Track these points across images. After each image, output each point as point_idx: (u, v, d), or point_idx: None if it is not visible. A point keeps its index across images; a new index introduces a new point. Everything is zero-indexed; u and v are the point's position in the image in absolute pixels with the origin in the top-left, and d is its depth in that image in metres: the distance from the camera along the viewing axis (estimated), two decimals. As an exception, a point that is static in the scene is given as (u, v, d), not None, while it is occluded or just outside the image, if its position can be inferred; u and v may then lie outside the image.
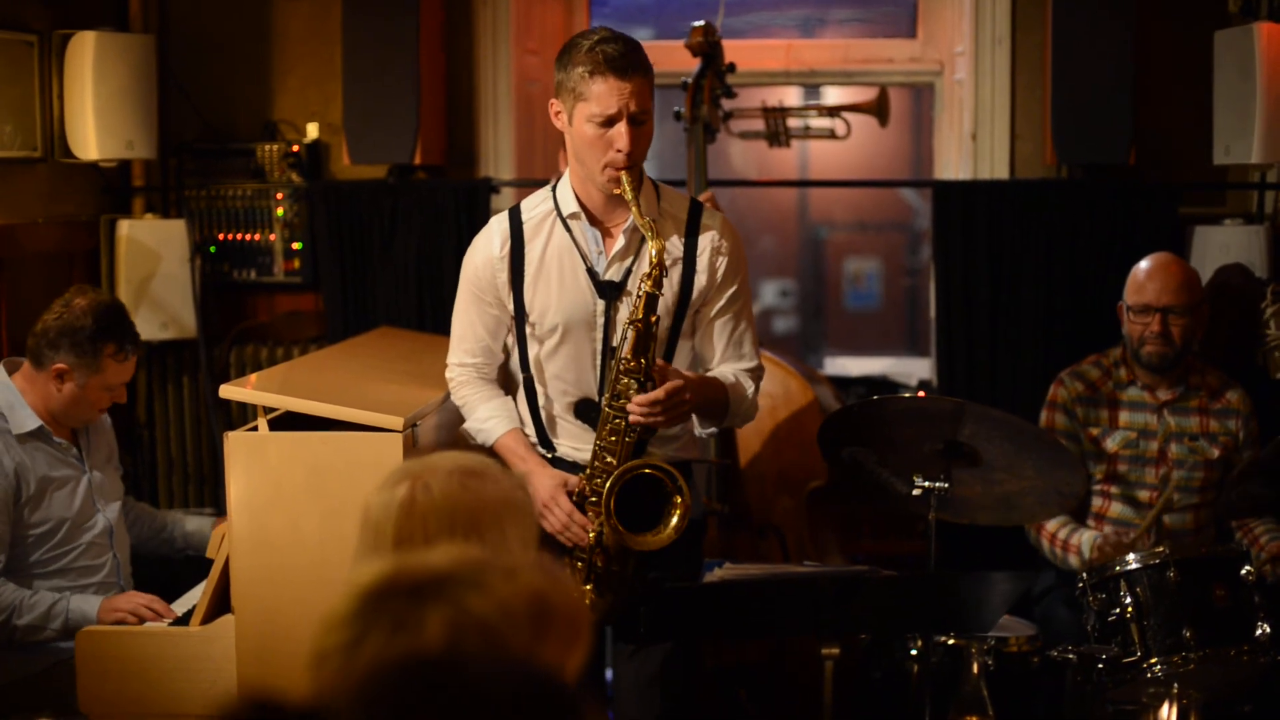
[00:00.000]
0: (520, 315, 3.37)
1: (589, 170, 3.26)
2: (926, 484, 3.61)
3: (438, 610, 1.47)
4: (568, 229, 3.34)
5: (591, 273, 3.32)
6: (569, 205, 3.34)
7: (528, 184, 4.94)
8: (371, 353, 4.42)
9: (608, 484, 3.16)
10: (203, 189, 5.21)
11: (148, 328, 5.00)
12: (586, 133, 3.21)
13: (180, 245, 5.10)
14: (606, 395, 3.23)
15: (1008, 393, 4.82)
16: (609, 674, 3.70)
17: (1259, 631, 3.58)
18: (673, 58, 4.77)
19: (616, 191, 3.21)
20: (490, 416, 3.43)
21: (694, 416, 3.39)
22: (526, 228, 3.37)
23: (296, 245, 5.20)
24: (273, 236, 5.21)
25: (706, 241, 3.36)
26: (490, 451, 3.41)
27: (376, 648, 1.46)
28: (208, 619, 3.45)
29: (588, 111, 3.19)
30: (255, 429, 3.43)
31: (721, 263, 3.36)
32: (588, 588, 3.27)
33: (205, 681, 3.40)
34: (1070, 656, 3.65)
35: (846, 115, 5.26)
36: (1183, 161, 4.93)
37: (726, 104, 4.76)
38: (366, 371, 4.10)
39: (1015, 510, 3.87)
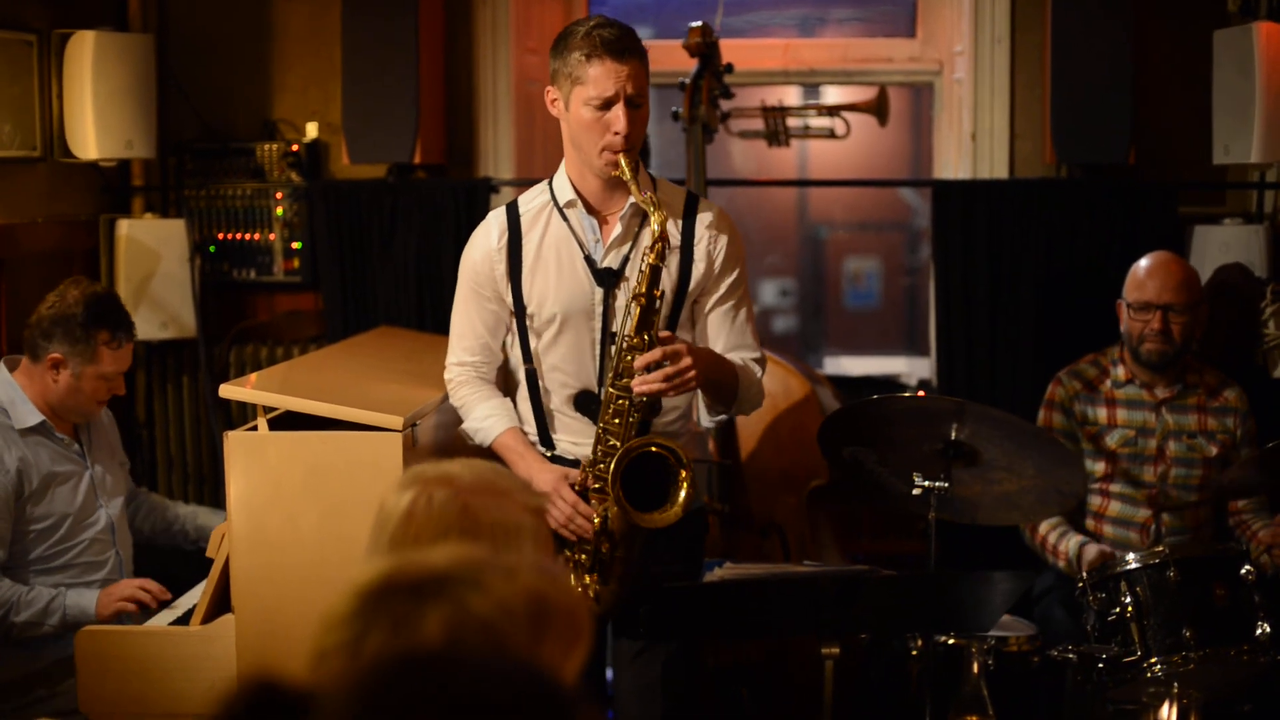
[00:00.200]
0: (519, 307, 3.37)
1: (586, 155, 3.27)
2: (926, 483, 3.61)
3: (437, 609, 1.47)
4: (564, 218, 3.35)
5: (589, 261, 3.32)
6: (565, 194, 3.34)
7: (527, 183, 4.91)
8: (371, 352, 4.42)
9: (613, 462, 3.15)
10: (202, 188, 5.21)
11: (147, 327, 5.00)
12: (584, 116, 3.22)
13: (180, 245, 5.10)
14: (610, 376, 3.23)
15: (1007, 392, 4.82)
16: (609, 674, 3.70)
17: (1259, 631, 3.58)
18: (671, 58, 4.77)
19: (614, 173, 3.22)
20: (488, 415, 3.43)
21: (702, 402, 3.39)
22: (524, 220, 3.38)
23: (296, 245, 5.20)
24: (272, 236, 5.21)
25: (703, 229, 3.36)
26: (489, 451, 3.41)
27: (376, 646, 1.46)
28: (208, 618, 3.45)
29: (585, 95, 3.21)
30: (255, 428, 3.43)
31: (719, 250, 3.36)
32: (592, 577, 3.25)
33: (205, 681, 3.40)
34: (1070, 656, 3.65)
35: (846, 115, 5.27)
36: (1182, 161, 4.93)
37: (726, 104, 4.76)
38: (366, 371, 4.10)
39: (1015, 509, 3.87)
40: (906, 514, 4.02)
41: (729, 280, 3.38)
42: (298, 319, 5.28)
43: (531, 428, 3.43)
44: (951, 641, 3.72)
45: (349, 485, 3.32)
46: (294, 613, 3.31)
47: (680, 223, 3.36)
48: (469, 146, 5.22)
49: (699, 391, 3.34)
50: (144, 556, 4.14)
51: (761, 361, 3.44)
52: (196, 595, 3.75)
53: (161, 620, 3.65)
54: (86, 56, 4.71)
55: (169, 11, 5.22)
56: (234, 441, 3.38)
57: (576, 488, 3.25)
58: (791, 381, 4.58)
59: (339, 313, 5.09)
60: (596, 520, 3.22)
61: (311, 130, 5.22)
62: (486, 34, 5.20)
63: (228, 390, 3.52)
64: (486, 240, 3.40)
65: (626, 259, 3.30)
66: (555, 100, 3.30)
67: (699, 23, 4.42)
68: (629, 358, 3.17)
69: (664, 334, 3.20)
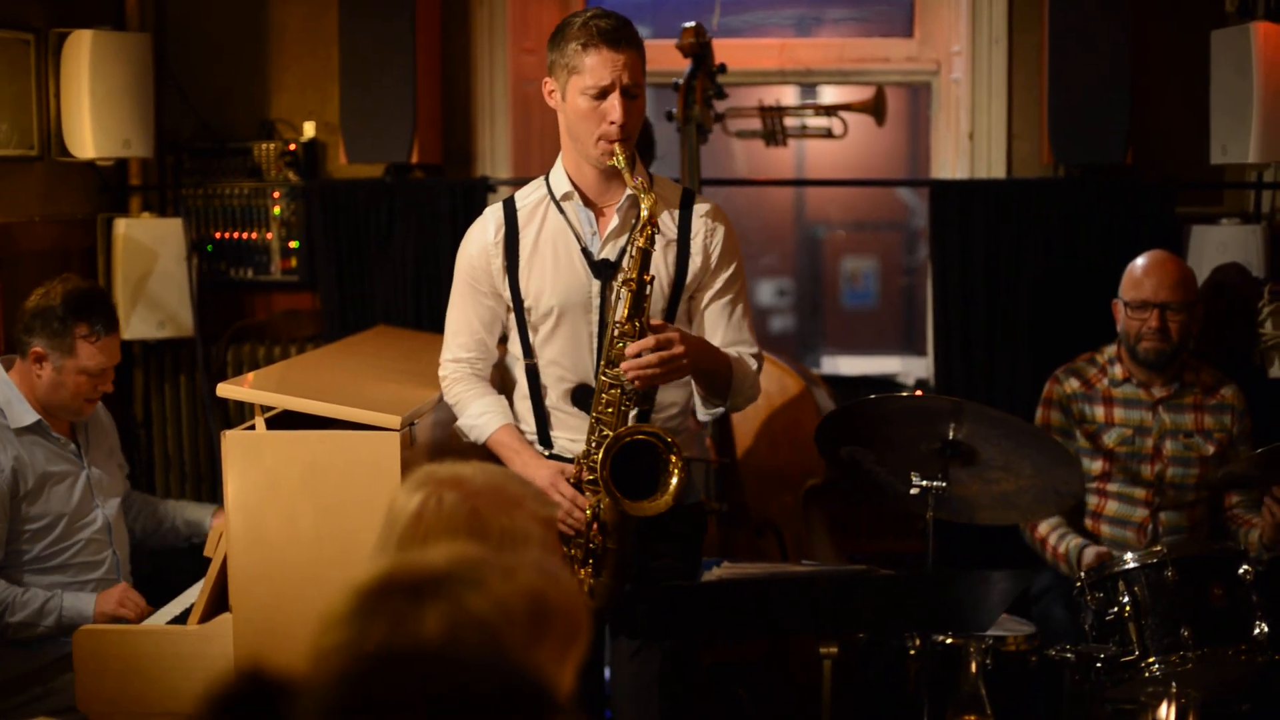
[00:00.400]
0: (516, 301, 3.37)
1: (582, 145, 3.27)
2: (924, 483, 3.60)
3: (436, 608, 1.47)
4: (561, 211, 3.35)
5: (586, 253, 3.32)
6: (562, 187, 3.35)
7: (525, 182, 4.90)
8: (368, 352, 4.42)
9: (602, 451, 3.14)
10: (200, 188, 5.21)
11: (145, 326, 5.00)
12: (580, 106, 3.23)
13: (177, 244, 5.10)
14: (601, 364, 3.22)
15: (1005, 391, 4.82)
16: (607, 673, 3.70)
17: (1257, 631, 3.58)
18: (665, 58, 4.77)
19: (610, 162, 3.22)
20: (484, 413, 3.43)
21: (697, 398, 3.38)
22: (520, 214, 3.38)
23: (293, 244, 5.20)
24: (270, 235, 5.21)
25: (700, 223, 3.36)
26: (484, 449, 3.41)
27: (375, 646, 1.46)
28: (205, 617, 3.45)
29: (581, 84, 3.21)
30: (252, 428, 3.43)
31: (715, 244, 3.36)
32: (585, 570, 3.24)
33: (203, 680, 3.37)
34: (1068, 656, 3.65)
35: (843, 114, 5.27)
36: (1180, 161, 4.93)
37: (723, 103, 4.76)
38: (364, 370, 4.10)
39: (1013, 509, 3.87)
40: (904, 513, 4.02)
41: (725, 274, 3.38)
42: (295, 318, 5.28)
43: (530, 426, 3.43)
44: (949, 641, 3.72)
45: (346, 484, 3.32)
46: (291, 611, 3.31)
47: (677, 214, 3.36)
48: (466, 146, 5.22)
49: (694, 384, 3.34)
50: (141, 556, 4.14)
51: (758, 357, 3.43)
52: (194, 594, 3.74)
53: (159, 619, 3.65)
54: (84, 55, 4.70)
55: (167, 11, 5.22)
56: (231, 441, 3.38)
57: (571, 481, 3.25)
58: (787, 380, 4.59)
59: (336, 312, 5.09)
60: (589, 511, 3.22)
61: (309, 130, 5.22)
62: (484, 34, 5.20)
63: (225, 389, 3.52)
64: (483, 235, 3.41)
65: (624, 251, 3.30)
66: (552, 91, 3.31)
67: (692, 23, 4.43)
68: (620, 344, 3.17)
69: (655, 322, 3.20)
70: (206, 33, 5.24)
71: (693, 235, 3.36)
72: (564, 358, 3.36)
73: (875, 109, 5.15)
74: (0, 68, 4.57)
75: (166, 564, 4.21)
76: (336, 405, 3.39)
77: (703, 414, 3.44)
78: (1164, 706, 3.51)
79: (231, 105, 5.25)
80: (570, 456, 3.35)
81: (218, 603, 3.47)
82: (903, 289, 7.07)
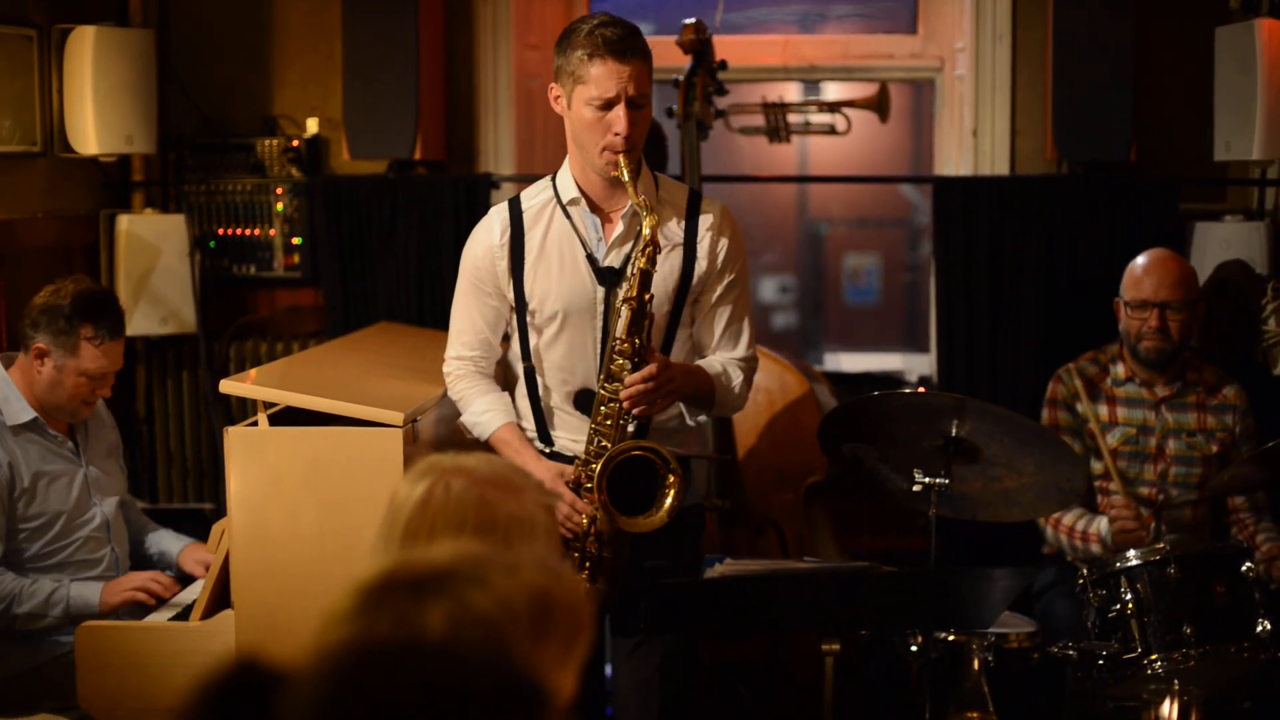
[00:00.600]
0: (520, 304, 3.37)
1: (587, 154, 3.27)
2: (927, 480, 3.60)
3: (439, 605, 1.47)
4: (567, 216, 3.34)
5: (591, 259, 3.32)
6: (569, 192, 3.34)
7: (528, 179, 4.92)
8: (371, 348, 4.42)
9: (600, 465, 3.16)
10: (202, 184, 5.21)
11: (147, 323, 5.00)
12: (585, 116, 3.22)
13: (180, 240, 5.10)
14: (601, 377, 3.23)
15: (1008, 389, 4.82)
16: (608, 670, 3.70)
17: (1259, 628, 3.57)
18: (667, 55, 4.77)
19: (614, 174, 3.22)
20: (486, 410, 3.43)
21: (682, 407, 3.40)
22: (526, 216, 3.38)
23: (296, 240, 5.20)
24: (272, 231, 5.20)
25: (706, 228, 3.36)
26: (486, 445, 3.41)
27: (377, 643, 1.46)
28: (208, 614, 3.45)
29: (586, 95, 3.20)
30: (255, 424, 3.43)
31: (721, 248, 3.36)
32: (582, 575, 3.25)
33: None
34: (1070, 653, 3.65)
35: (847, 111, 5.26)
36: (1183, 158, 4.93)
37: (726, 100, 4.75)
38: (366, 367, 4.10)
39: (1015, 506, 3.87)
40: (907, 510, 4.02)
41: (729, 279, 3.39)
42: (298, 314, 5.28)
43: (530, 424, 3.43)
44: (952, 638, 3.71)
45: (349, 481, 3.32)
46: (294, 608, 3.31)
47: (683, 221, 3.36)
48: (469, 142, 5.22)
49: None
50: (141, 554, 4.13)
51: (749, 364, 3.45)
52: (196, 590, 3.74)
53: (161, 616, 3.65)
54: (87, 52, 4.70)
55: (169, 7, 5.22)
56: (234, 437, 3.37)
57: (570, 484, 3.26)
58: (789, 378, 4.59)
59: (339, 308, 5.09)
60: (585, 520, 3.23)
61: (312, 126, 5.21)
62: (487, 30, 5.19)
63: (228, 386, 3.51)
64: (489, 236, 3.40)
65: (628, 258, 3.30)
66: (558, 97, 3.30)
67: (692, 19, 4.42)
68: (619, 360, 3.19)
69: (653, 349, 3.22)
70: (209, 28, 5.24)
71: (699, 240, 3.35)
72: (567, 361, 3.36)
73: (879, 105, 5.14)
74: (3, 64, 4.57)
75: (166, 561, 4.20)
76: (339, 402, 3.38)
77: (688, 419, 3.46)
78: (1166, 704, 3.51)
79: (234, 101, 5.24)
80: (570, 455, 3.35)
81: (220, 599, 3.47)
82: (905, 286, 7.08)
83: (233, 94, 5.24)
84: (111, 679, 3.44)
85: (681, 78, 4.45)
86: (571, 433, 3.39)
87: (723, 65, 4.52)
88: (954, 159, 5.24)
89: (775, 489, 4.53)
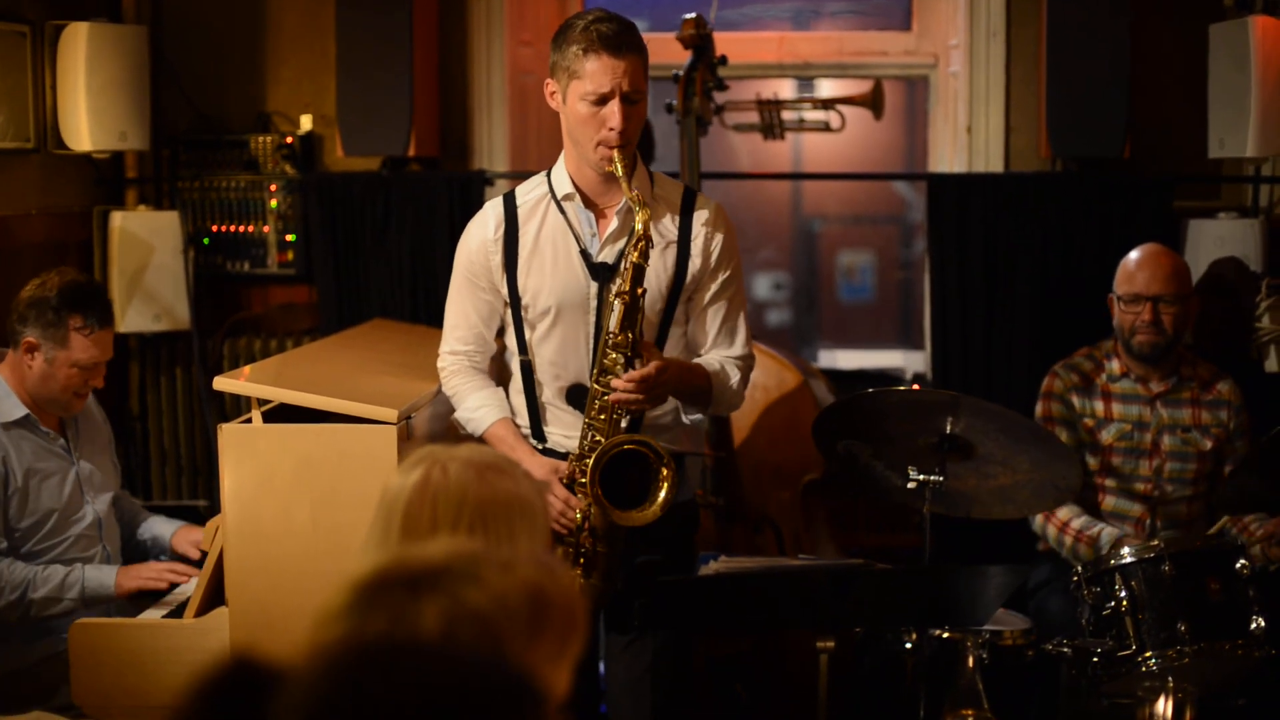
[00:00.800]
0: (514, 298, 3.37)
1: (582, 149, 3.27)
2: (921, 477, 3.60)
3: (434, 603, 1.47)
4: (562, 211, 3.35)
5: (585, 254, 3.32)
6: (564, 187, 3.34)
7: (522, 176, 4.91)
8: (365, 345, 4.42)
9: (593, 459, 3.16)
10: (196, 180, 5.20)
11: (141, 319, 5.00)
12: (580, 111, 3.22)
13: (173, 237, 5.09)
14: (594, 371, 3.24)
15: (1002, 386, 4.82)
16: (602, 667, 3.70)
17: (1253, 625, 3.58)
18: (665, 50, 4.76)
19: (609, 169, 3.22)
20: (480, 405, 3.43)
21: (679, 402, 3.40)
22: (521, 211, 3.38)
23: (290, 237, 5.20)
24: (266, 228, 5.20)
25: (700, 225, 3.36)
26: (480, 442, 3.41)
27: (372, 640, 1.46)
28: (201, 611, 3.45)
29: (581, 90, 3.20)
30: (249, 421, 3.42)
31: (716, 246, 3.36)
32: (575, 571, 3.25)
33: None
34: (1065, 650, 3.65)
35: (841, 108, 5.26)
36: (1178, 155, 4.93)
37: (720, 96, 4.75)
38: (360, 364, 4.10)
39: (1010, 503, 3.87)
40: (901, 508, 4.03)
41: (723, 277, 3.38)
42: (292, 311, 5.27)
43: (524, 420, 3.43)
44: (946, 635, 3.71)
45: (343, 478, 3.32)
46: (288, 605, 3.30)
47: (677, 218, 3.36)
48: (463, 139, 5.22)
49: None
50: (133, 550, 4.12)
51: (746, 362, 3.45)
52: (189, 588, 3.74)
53: (155, 613, 3.65)
54: (80, 48, 4.70)
55: (163, 3, 5.21)
56: (228, 434, 3.37)
57: (564, 480, 3.26)
58: (785, 374, 4.58)
59: (333, 305, 5.08)
60: (579, 515, 3.23)
61: (306, 123, 5.21)
62: (481, 27, 5.19)
63: (221, 383, 3.51)
64: (483, 230, 3.40)
65: (622, 253, 3.30)
66: (554, 93, 3.30)
67: (693, 15, 4.42)
68: (612, 355, 3.19)
69: (647, 343, 3.22)
70: (203, 25, 5.23)
71: (693, 237, 3.36)
72: (560, 356, 3.36)
73: (873, 102, 5.14)
74: (-4, 60, 4.57)
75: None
76: (333, 398, 3.38)
77: (684, 418, 3.45)
78: (1161, 701, 3.51)
79: (228, 98, 5.24)
80: (564, 451, 3.35)
81: (214, 596, 3.46)
82: (899, 283, 7.08)
83: (227, 90, 5.24)
84: (106, 676, 3.44)
85: (681, 73, 4.45)
86: (564, 429, 3.39)
87: (723, 60, 4.52)
88: (948, 156, 5.24)
89: (772, 486, 4.53)
